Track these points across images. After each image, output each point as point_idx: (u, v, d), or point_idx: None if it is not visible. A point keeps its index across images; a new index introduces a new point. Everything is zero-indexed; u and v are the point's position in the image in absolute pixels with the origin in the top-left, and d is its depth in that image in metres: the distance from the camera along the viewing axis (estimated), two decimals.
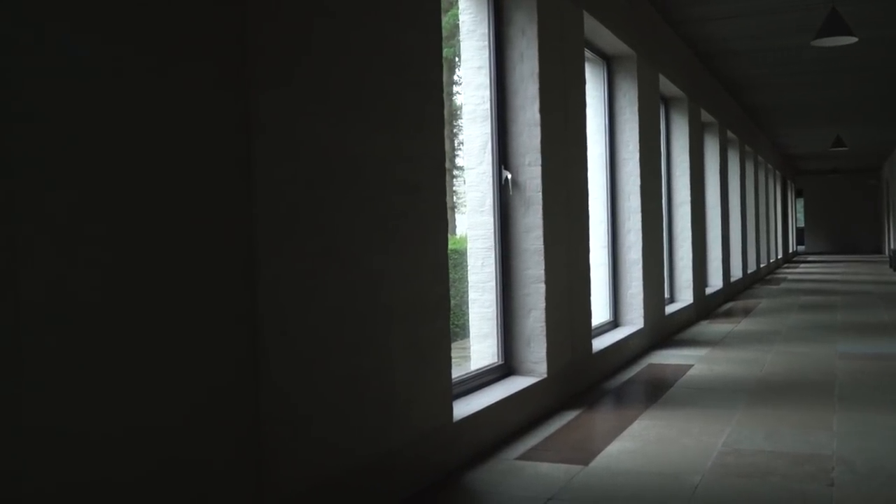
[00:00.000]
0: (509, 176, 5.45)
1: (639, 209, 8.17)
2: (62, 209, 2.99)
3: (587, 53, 7.61)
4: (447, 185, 4.36)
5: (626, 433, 4.90)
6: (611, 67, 8.25)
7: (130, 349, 2.94)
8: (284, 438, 2.93)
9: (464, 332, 9.00)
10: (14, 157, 3.04)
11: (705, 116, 12.65)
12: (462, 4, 5.52)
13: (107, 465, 2.97)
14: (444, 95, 4.18)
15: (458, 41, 16.51)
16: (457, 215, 22.50)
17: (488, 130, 5.40)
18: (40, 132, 3.02)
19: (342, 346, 3.27)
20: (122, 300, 2.94)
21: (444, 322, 4.07)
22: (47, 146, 3.01)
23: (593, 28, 7.08)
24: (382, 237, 3.54)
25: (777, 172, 26.50)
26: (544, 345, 5.41)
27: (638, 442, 4.69)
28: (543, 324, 5.41)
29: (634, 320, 8.17)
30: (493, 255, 5.40)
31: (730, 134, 15.09)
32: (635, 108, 8.18)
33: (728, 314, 11.78)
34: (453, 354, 4.28)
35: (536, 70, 5.44)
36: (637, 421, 5.20)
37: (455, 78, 21.28)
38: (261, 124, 2.84)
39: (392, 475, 3.62)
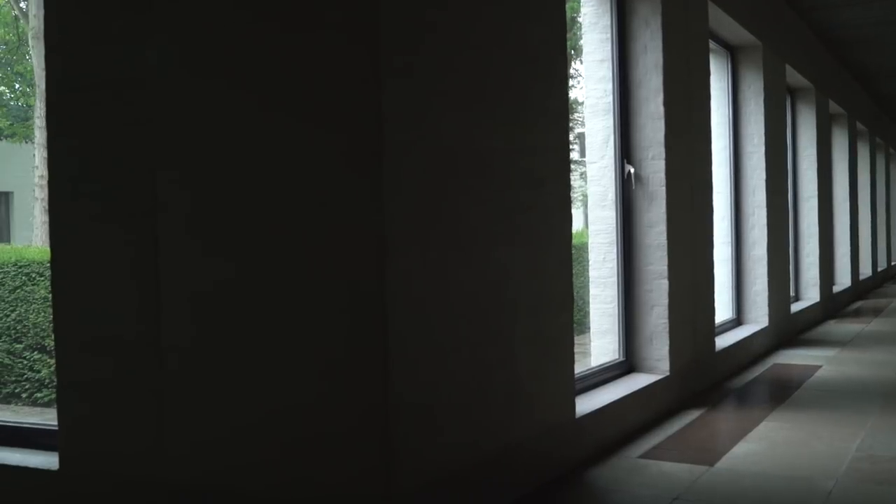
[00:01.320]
0: (632, 170, 5.37)
1: (764, 204, 7.92)
2: (205, 206, 3.11)
3: (711, 44, 7.42)
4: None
5: (752, 434, 4.76)
6: (735, 58, 8.03)
7: (266, 340, 3.03)
8: (410, 430, 2.96)
9: (581, 327, 8.93)
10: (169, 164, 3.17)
11: (833, 107, 12.15)
12: None
13: (240, 453, 3.07)
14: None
15: (575, 34, 16.36)
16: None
17: (611, 124, 5.35)
18: (189, 137, 3.15)
19: (467, 339, 3.28)
20: (255, 295, 3.03)
21: (568, 316, 4.05)
22: (192, 149, 3.14)
23: (718, 18, 6.90)
24: (508, 231, 3.55)
25: None
26: (667, 342, 5.32)
27: (765, 444, 4.56)
28: (666, 320, 5.31)
29: (758, 318, 7.93)
30: (614, 251, 5.34)
31: (859, 125, 14.45)
32: (760, 100, 7.93)
33: (857, 314, 11.30)
34: None
35: (660, 62, 5.34)
36: (763, 422, 5.04)
37: (570, 71, 21.08)
38: (387, 117, 2.87)
39: (515, 469, 3.62)
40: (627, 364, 5.38)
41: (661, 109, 5.33)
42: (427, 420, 3.06)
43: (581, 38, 5.62)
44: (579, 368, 4.87)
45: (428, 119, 3.08)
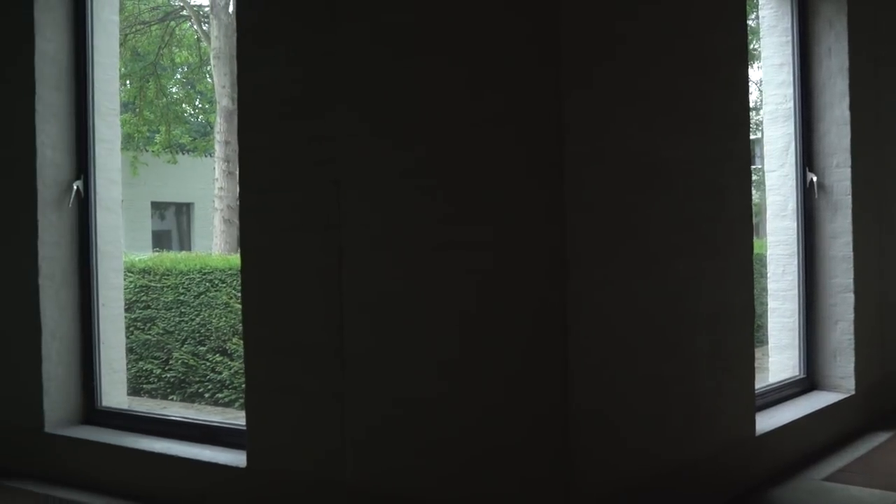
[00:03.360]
0: (814, 178, 5.14)
1: None
2: (393, 220, 3.19)
3: None
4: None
5: None
6: None
7: (447, 351, 3.08)
8: (590, 441, 2.94)
9: (755, 340, 8.61)
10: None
11: None
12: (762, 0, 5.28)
13: (419, 461, 3.12)
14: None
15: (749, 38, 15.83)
16: None
17: (791, 131, 5.13)
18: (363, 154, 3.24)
19: (648, 351, 3.24)
20: (436, 306, 3.09)
21: (749, 330, 3.92)
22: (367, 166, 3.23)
23: None
24: (690, 242, 3.48)
25: None
26: (852, 359, 5.04)
27: None
28: (851, 336, 5.04)
29: None
30: (795, 262, 5.12)
31: None
32: None
33: None
34: None
35: (846, 65, 5.08)
36: None
37: None
38: (568, 129, 2.87)
39: (694, 484, 3.53)
40: (809, 381, 5.13)
41: (847, 115, 5.07)
42: (606, 431, 3.03)
43: (754, 42, 5.43)
44: (758, 384, 4.70)
45: (611, 130, 3.06)
